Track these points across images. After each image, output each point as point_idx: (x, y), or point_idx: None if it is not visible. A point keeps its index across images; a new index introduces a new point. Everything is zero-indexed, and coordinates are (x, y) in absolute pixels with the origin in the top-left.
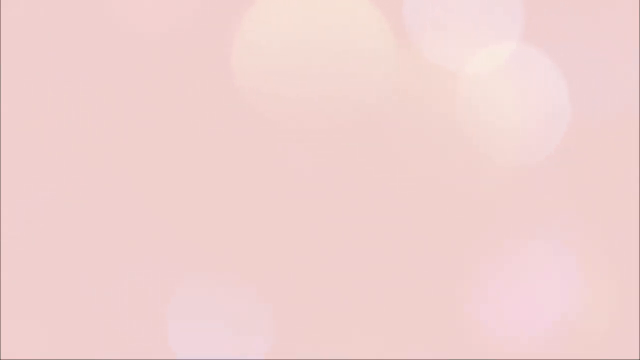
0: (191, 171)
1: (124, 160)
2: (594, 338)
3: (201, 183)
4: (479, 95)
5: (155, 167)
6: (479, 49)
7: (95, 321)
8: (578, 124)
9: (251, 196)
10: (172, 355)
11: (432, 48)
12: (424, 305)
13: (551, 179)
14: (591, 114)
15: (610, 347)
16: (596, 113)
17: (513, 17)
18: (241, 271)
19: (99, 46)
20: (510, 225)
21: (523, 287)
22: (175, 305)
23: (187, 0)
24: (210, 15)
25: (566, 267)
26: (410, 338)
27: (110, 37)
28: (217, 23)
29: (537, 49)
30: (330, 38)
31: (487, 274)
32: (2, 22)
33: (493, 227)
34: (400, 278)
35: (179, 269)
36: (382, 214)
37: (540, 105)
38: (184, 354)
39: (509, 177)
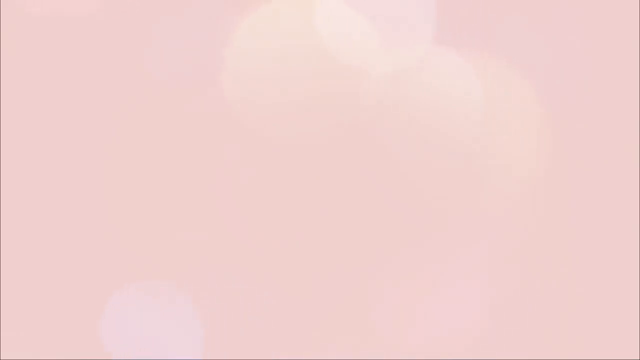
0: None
1: (98, 163)
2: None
3: (160, 187)
4: (390, 96)
5: (128, 172)
6: (390, 50)
7: (31, 322)
8: (491, 126)
9: (206, 202)
10: (107, 355)
11: (343, 48)
12: (337, 306)
13: (468, 179)
14: (506, 114)
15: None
16: (510, 113)
17: (426, 19)
18: (179, 276)
19: (88, 47)
20: (426, 229)
21: (436, 290)
22: (110, 307)
23: (175, 10)
24: (202, 25)
25: (479, 272)
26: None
27: (102, 41)
28: (209, 33)
29: (450, 50)
30: (318, 46)
31: (401, 275)
32: None
33: (409, 230)
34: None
35: (119, 271)
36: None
37: (453, 106)
38: (118, 354)
39: (424, 177)
